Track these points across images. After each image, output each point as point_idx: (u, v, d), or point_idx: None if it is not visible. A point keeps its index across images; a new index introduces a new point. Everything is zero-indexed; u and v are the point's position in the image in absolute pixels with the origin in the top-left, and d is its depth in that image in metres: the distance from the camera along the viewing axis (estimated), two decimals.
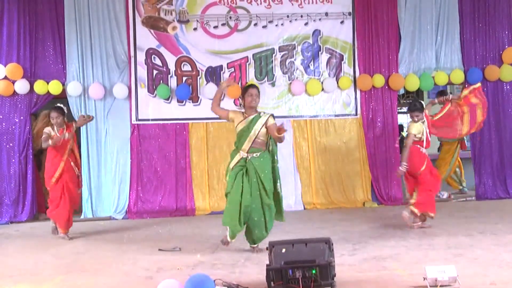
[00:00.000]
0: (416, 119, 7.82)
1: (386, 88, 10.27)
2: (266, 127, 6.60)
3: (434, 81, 10.23)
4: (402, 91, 10.59)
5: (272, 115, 6.74)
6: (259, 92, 6.75)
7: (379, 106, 10.29)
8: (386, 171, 10.18)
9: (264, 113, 6.74)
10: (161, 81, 9.95)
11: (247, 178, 6.54)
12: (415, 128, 7.79)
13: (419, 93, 12.78)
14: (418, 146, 7.82)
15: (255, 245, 6.71)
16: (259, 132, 6.58)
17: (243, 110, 6.75)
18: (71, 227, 8.14)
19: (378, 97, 10.30)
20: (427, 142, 7.88)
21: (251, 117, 6.61)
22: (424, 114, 7.91)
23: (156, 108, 9.98)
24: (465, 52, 10.33)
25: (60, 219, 8.05)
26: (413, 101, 9.12)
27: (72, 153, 8.17)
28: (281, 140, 6.37)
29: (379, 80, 10.17)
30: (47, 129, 7.96)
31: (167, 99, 9.97)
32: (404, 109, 13.28)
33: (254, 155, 6.57)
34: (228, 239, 6.75)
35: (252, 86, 6.77)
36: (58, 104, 8.18)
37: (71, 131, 8.03)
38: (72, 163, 8.11)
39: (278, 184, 6.79)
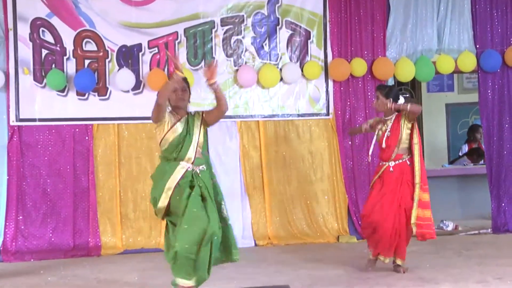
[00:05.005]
0: (374, 103, 7.89)
1: (369, 78, 10.36)
2: (205, 124, 6.72)
3: (436, 68, 10.31)
4: (391, 82, 10.57)
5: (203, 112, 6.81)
6: (188, 84, 6.72)
7: (360, 102, 10.37)
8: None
9: (195, 112, 6.78)
10: (54, 65, 9.79)
11: (202, 198, 6.52)
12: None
13: (415, 84, 12.94)
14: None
15: None
16: (199, 137, 6.64)
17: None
18: None
19: (358, 90, 10.38)
20: (382, 150, 7.86)
21: (183, 118, 6.65)
22: (391, 106, 7.79)
23: (46, 104, 9.82)
24: (478, 28, 10.44)
25: None
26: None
27: None
28: (214, 88, 6.54)
29: (359, 66, 10.22)
30: None
31: (62, 91, 9.81)
32: None
33: (201, 167, 6.60)
34: None
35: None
36: None
37: None
38: None
39: (223, 206, 6.80)
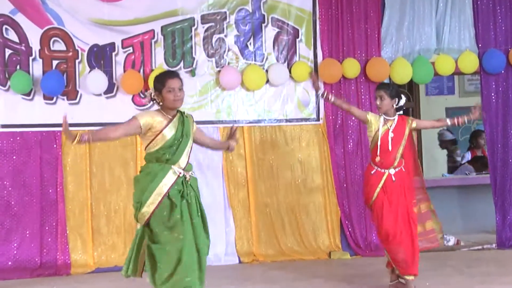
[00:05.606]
0: (378, 103, 7.74)
1: (362, 80, 10.36)
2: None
3: (435, 69, 10.29)
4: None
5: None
6: (182, 82, 6.60)
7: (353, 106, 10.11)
8: (364, 205, 9.91)
9: (188, 114, 6.68)
10: (18, 66, 9.70)
11: (191, 210, 6.42)
12: (371, 115, 7.84)
13: (412, 87, 12.97)
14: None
15: None
16: (192, 142, 6.63)
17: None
18: None
19: (350, 93, 10.36)
20: (384, 153, 7.70)
21: (176, 118, 6.50)
22: (392, 106, 7.74)
23: (9, 108, 9.74)
24: (480, 26, 10.42)
25: None
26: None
27: None
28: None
29: (352, 67, 10.21)
30: None
31: (28, 94, 9.72)
32: None
33: (191, 173, 6.53)
34: None
35: (171, 74, 6.64)
36: None
37: None
38: None
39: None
